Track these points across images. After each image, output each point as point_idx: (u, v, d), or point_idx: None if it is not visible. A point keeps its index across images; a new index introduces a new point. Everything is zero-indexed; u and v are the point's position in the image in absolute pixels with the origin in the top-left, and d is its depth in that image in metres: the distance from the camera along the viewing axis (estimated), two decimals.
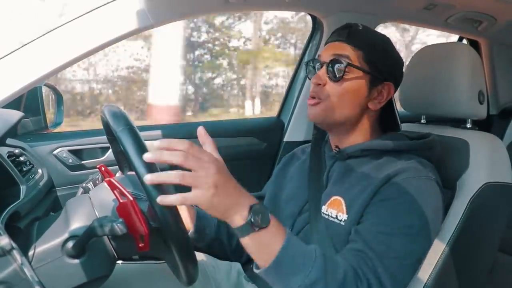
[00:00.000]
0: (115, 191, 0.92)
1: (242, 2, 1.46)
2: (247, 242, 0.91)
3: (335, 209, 1.13)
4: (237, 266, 1.33)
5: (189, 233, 1.26)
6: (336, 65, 1.16)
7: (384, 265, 0.99)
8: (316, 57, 1.24)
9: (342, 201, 1.12)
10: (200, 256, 1.34)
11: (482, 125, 1.38)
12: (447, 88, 1.31)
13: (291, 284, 0.92)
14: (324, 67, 1.18)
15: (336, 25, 1.80)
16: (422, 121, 1.49)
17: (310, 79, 1.24)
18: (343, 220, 1.10)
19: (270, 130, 2.03)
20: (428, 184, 1.09)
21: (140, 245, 0.88)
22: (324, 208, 1.15)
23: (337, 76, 1.15)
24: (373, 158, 1.17)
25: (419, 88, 1.34)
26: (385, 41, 1.23)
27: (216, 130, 1.96)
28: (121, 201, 0.89)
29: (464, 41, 2.27)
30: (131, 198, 0.88)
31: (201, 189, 0.83)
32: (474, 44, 2.23)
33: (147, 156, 0.82)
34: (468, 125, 1.34)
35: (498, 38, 2.12)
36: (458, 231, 1.14)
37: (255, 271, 0.95)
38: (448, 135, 1.31)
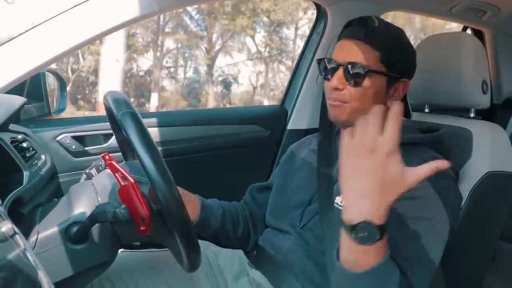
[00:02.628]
0: (116, 174, 0.92)
1: None
2: (362, 248, 0.82)
3: None
4: (239, 253, 1.33)
5: (193, 224, 1.26)
6: (355, 71, 1.12)
7: (412, 268, 0.94)
8: (332, 56, 1.19)
9: None
10: (202, 243, 1.35)
11: (485, 114, 1.38)
12: (451, 77, 1.31)
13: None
14: (341, 70, 1.15)
15: (340, 14, 1.81)
16: (426, 110, 1.49)
17: (324, 79, 1.20)
18: None
19: (273, 118, 2.02)
20: (448, 183, 1.09)
21: (141, 228, 0.88)
22: (338, 199, 1.15)
23: (356, 81, 1.13)
24: None
25: (422, 77, 1.33)
26: (400, 36, 1.20)
27: (219, 118, 1.96)
28: (122, 184, 0.90)
29: (468, 31, 2.25)
30: (132, 181, 0.88)
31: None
32: (478, 34, 2.22)
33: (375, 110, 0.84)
34: (472, 115, 1.34)
35: (502, 28, 2.11)
36: (460, 219, 1.14)
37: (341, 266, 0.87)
38: (451, 124, 1.31)
